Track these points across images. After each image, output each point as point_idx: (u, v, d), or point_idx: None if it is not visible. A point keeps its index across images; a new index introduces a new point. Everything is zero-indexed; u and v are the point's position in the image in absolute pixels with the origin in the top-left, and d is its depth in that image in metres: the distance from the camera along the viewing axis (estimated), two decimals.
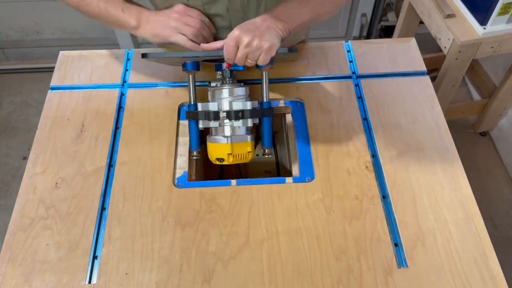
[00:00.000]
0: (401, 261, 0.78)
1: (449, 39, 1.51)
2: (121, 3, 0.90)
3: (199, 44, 0.88)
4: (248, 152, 0.86)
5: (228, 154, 0.84)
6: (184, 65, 0.89)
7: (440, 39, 1.57)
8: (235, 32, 0.77)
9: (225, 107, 0.85)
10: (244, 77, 1.03)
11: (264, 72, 0.88)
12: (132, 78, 1.05)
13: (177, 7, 0.90)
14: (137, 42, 2.17)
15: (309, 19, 0.87)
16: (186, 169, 0.91)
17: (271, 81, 1.04)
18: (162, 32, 0.89)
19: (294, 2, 0.86)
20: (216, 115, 0.84)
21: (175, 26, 0.88)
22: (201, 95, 0.93)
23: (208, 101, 0.88)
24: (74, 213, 0.84)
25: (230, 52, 0.78)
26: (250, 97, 0.93)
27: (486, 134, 2.06)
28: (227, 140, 0.84)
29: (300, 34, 1.13)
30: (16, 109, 2.19)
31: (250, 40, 0.77)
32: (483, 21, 1.45)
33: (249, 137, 0.86)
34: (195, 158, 0.90)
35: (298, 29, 0.87)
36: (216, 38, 0.95)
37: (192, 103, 0.90)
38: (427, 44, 2.07)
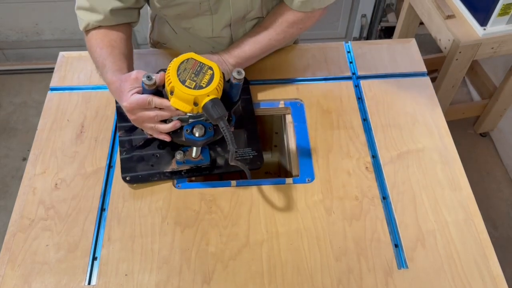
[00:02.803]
0: (401, 262, 0.78)
1: (449, 40, 1.51)
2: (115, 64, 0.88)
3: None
4: None
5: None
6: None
7: (440, 40, 1.57)
8: None
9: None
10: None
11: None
12: None
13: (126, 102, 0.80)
14: (136, 43, 2.17)
15: (260, 54, 0.99)
16: None
17: (271, 82, 1.04)
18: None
19: (249, 42, 0.97)
20: None
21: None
22: None
23: None
24: (73, 214, 0.83)
25: None
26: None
27: (486, 135, 2.06)
28: None
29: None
30: (15, 110, 2.18)
31: None
32: (483, 22, 1.45)
33: None
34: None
35: (250, 61, 0.99)
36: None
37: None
38: (427, 45, 2.07)
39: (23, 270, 0.77)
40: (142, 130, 0.87)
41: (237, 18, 0.98)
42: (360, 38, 2.27)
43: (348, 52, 1.11)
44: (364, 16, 2.17)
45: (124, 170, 0.87)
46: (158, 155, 0.88)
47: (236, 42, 0.99)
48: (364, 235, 0.81)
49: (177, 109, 0.75)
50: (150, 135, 0.88)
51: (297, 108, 1.00)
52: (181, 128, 0.80)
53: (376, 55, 1.10)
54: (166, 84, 0.74)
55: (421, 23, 1.77)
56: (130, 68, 0.90)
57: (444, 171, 0.89)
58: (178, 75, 0.72)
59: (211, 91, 0.72)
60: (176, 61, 0.74)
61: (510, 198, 1.88)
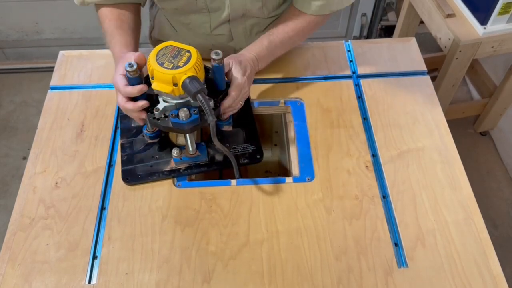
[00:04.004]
0: (401, 261, 0.78)
1: (449, 39, 1.50)
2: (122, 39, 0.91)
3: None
4: None
5: None
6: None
7: (440, 38, 1.57)
8: (238, 81, 0.84)
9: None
10: None
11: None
12: None
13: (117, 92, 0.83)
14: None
15: (280, 54, 1.00)
16: None
17: (271, 81, 1.04)
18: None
19: (275, 43, 0.96)
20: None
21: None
22: None
23: None
24: (74, 213, 0.84)
25: (237, 97, 0.85)
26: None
27: (486, 134, 2.06)
28: None
29: None
30: (16, 109, 2.18)
31: (246, 91, 0.88)
32: (483, 20, 1.45)
33: None
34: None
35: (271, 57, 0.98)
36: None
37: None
38: (427, 44, 2.07)
39: (24, 269, 0.77)
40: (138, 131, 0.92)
41: (235, 16, 0.98)
42: (360, 37, 2.26)
43: (348, 51, 1.11)
44: (364, 15, 2.17)
45: (124, 171, 0.88)
46: (157, 157, 0.90)
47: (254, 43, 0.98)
48: (364, 234, 0.81)
49: (158, 92, 0.78)
50: (150, 140, 0.92)
51: (297, 107, 1.00)
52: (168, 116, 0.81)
53: (376, 54, 1.09)
54: (148, 71, 0.77)
55: (421, 22, 1.76)
56: (136, 43, 0.94)
57: (444, 170, 0.89)
58: (157, 60, 0.75)
59: (188, 69, 0.74)
60: (156, 49, 0.77)
61: (510, 197, 1.88)
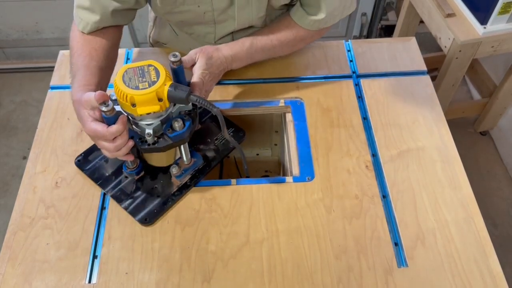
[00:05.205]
0: (401, 261, 0.78)
1: (449, 39, 1.51)
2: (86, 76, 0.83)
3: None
4: None
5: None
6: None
7: (440, 38, 1.57)
8: (196, 81, 0.82)
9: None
10: (238, 76, 1.03)
11: None
12: None
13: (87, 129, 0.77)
14: (137, 41, 2.17)
15: (260, 59, 1.01)
16: None
17: (271, 80, 1.04)
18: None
19: (256, 47, 0.96)
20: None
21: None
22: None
23: None
24: (74, 213, 0.84)
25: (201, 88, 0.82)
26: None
27: (486, 134, 2.06)
28: None
29: None
30: (16, 108, 2.18)
31: (209, 87, 0.88)
32: (483, 20, 1.45)
33: None
34: None
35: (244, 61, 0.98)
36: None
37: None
38: (427, 43, 2.07)
39: (24, 269, 0.77)
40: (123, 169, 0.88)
41: (240, 29, 0.98)
42: (360, 36, 2.26)
43: (348, 50, 1.11)
44: (364, 14, 2.17)
45: (137, 216, 0.82)
46: (157, 186, 0.86)
47: (239, 43, 0.96)
48: (364, 234, 0.81)
49: (141, 118, 0.74)
50: (137, 176, 0.88)
51: (297, 107, 1.00)
52: (161, 135, 0.77)
53: (376, 54, 1.10)
54: (124, 101, 0.71)
55: (421, 21, 1.77)
56: (103, 82, 0.86)
57: (444, 170, 0.89)
58: (128, 86, 0.71)
59: (164, 79, 0.72)
60: (118, 79, 0.72)
61: (510, 196, 1.88)
